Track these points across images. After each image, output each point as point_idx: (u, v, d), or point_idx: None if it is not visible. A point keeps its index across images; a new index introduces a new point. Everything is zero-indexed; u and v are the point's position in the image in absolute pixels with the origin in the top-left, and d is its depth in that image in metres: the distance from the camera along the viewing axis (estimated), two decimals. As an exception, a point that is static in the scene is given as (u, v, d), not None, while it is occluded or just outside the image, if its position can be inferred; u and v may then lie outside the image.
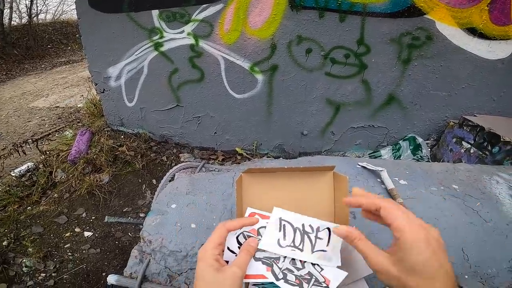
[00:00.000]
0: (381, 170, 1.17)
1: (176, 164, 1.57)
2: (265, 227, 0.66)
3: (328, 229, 0.67)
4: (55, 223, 2.54)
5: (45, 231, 2.48)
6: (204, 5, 2.54)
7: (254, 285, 0.63)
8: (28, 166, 3.06)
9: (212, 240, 0.56)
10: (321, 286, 0.60)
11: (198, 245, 0.90)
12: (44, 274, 2.15)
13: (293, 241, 0.65)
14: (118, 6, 2.74)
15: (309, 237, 0.65)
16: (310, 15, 2.41)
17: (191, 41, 2.74)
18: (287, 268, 0.62)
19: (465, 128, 2.47)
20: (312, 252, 0.64)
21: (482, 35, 2.26)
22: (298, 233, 0.66)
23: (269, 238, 0.64)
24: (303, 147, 3.07)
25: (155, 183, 2.93)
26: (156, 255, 0.93)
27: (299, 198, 0.76)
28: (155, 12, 2.69)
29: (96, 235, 2.45)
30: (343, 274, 0.62)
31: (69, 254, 2.30)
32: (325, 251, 0.64)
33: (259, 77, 2.75)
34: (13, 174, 3.00)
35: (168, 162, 3.18)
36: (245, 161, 3.11)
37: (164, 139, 3.42)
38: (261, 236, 0.65)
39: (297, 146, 3.07)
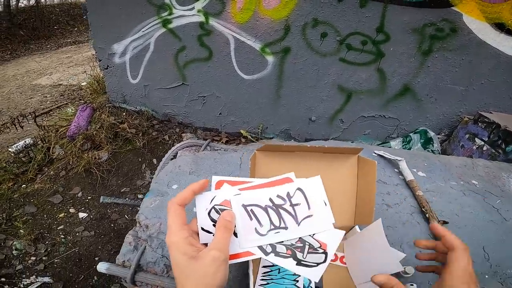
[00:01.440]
0: (400, 160, 1.07)
1: (178, 144, 1.35)
2: (239, 194, 0.50)
3: (299, 189, 0.52)
4: (49, 202, 2.29)
5: (38, 211, 2.23)
6: (217, -19, 2.26)
7: (262, 277, 0.55)
8: (26, 142, 2.78)
9: (172, 223, 0.44)
10: (318, 252, 0.49)
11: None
12: (34, 258, 1.92)
13: (271, 222, 0.50)
14: (128, -19, 2.46)
15: (285, 209, 0.51)
16: (329, -2, 2.15)
17: (201, 18, 2.47)
18: None
19: (480, 124, 2.27)
20: (298, 224, 0.50)
21: (509, 32, 2.04)
22: (271, 211, 0.50)
23: (244, 234, 0.48)
24: (310, 133, 2.83)
25: (155, 163, 2.67)
26: (153, 242, 0.82)
27: None
28: (166, -12, 2.41)
29: (91, 216, 2.20)
30: (339, 233, 0.50)
31: (62, 236, 2.06)
32: (311, 215, 0.51)
33: (270, 58, 2.49)
34: (11, 150, 2.72)
35: (170, 142, 2.92)
36: (249, 143, 2.86)
37: (167, 117, 3.16)
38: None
39: (304, 132, 2.84)
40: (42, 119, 3.47)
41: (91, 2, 2.72)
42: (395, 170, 1.08)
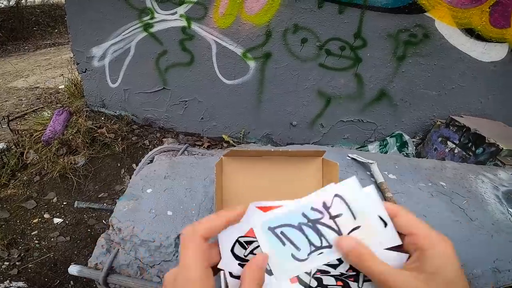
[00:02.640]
0: (371, 163, 1.10)
1: None
2: (262, 214, 0.39)
3: (337, 195, 0.38)
4: (22, 208, 2.19)
5: (11, 216, 2.13)
6: (200, -13, 2.26)
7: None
8: (0, 147, 2.65)
9: (193, 261, 0.31)
10: None
11: (174, 234, 0.80)
12: (7, 263, 1.85)
13: (310, 243, 0.38)
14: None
15: (324, 224, 0.38)
16: (309, 4, 2.19)
17: (183, 23, 2.45)
18: (319, 270, 0.38)
19: (451, 128, 2.36)
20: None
21: (479, 37, 2.14)
22: (307, 229, 0.38)
23: (279, 264, 0.37)
24: (291, 138, 2.85)
25: (134, 168, 2.60)
26: (126, 245, 0.81)
27: (285, 186, 0.67)
28: (148, -8, 2.38)
29: (67, 222, 2.11)
30: (403, 257, 0.36)
31: (36, 242, 1.97)
32: (358, 226, 0.37)
33: (251, 63, 2.50)
34: (-18, 155, 2.59)
35: (150, 146, 2.85)
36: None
37: (147, 122, 3.09)
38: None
39: (285, 136, 2.85)
40: (17, 123, 3.32)
41: (70, 5, 2.64)
42: (367, 173, 1.10)
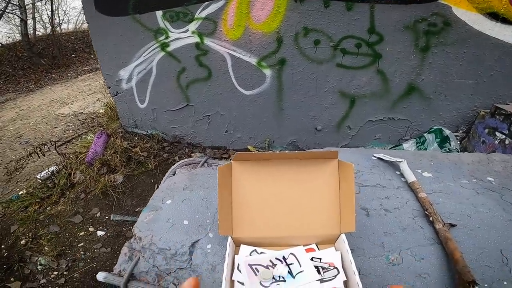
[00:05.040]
0: (400, 161, 1.11)
1: None
2: (248, 256, 0.75)
3: (291, 253, 0.75)
4: (71, 222, 2.76)
5: (61, 230, 2.69)
6: (206, 3, 2.64)
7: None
8: (52, 169, 3.35)
9: None
10: (330, 269, 0.69)
11: (188, 243, 0.91)
12: (56, 273, 2.33)
13: (273, 277, 0.71)
14: (123, 9, 2.93)
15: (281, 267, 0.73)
16: (315, 5, 2.41)
17: (196, 39, 2.85)
18: None
19: (497, 117, 2.35)
20: (294, 277, 0.71)
21: (505, 20, 2.15)
22: (271, 269, 0.72)
23: (251, 286, 0.69)
24: (318, 143, 3.05)
25: (166, 183, 3.07)
26: (146, 253, 0.93)
27: (298, 190, 0.72)
28: (159, 13, 2.83)
29: (108, 234, 2.62)
30: (337, 253, 0.72)
31: (82, 253, 2.47)
32: (302, 271, 0.70)
33: (267, 72, 2.79)
34: (38, 177, 3.30)
35: (180, 162, 3.31)
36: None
37: (176, 139, 3.57)
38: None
39: (311, 142, 3.06)
40: (65, 147, 4.09)
41: (93, 30, 3.21)
42: (397, 172, 1.11)
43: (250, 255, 0.75)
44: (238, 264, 0.71)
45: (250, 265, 0.71)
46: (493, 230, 0.83)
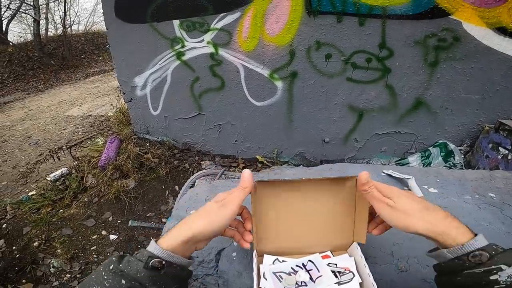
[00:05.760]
0: (408, 178, 1.18)
1: (197, 171, 1.77)
2: (271, 265, 0.84)
3: (310, 260, 0.84)
4: (83, 225, 2.88)
5: (74, 233, 2.81)
6: (222, 14, 2.78)
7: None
8: (62, 171, 3.48)
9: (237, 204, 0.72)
10: (346, 273, 0.78)
11: (214, 251, 0.97)
12: (69, 275, 2.43)
13: (296, 282, 0.80)
14: (142, 16, 3.06)
15: (302, 273, 0.83)
16: (328, 20, 2.53)
17: (211, 49, 2.99)
18: None
19: (501, 132, 2.45)
20: (314, 281, 0.80)
21: None
22: (293, 275, 0.82)
23: None
24: (325, 155, 3.17)
25: (177, 190, 3.20)
26: None
27: (317, 206, 0.84)
28: (176, 22, 2.98)
29: (121, 238, 2.74)
30: (351, 259, 0.81)
31: (94, 256, 2.59)
32: (321, 276, 0.80)
33: (279, 84, 2.92)
34: (48, 179, 3.44)
35: (190, 169, 3.44)
36: (265, 168, 3.29)
37: (187, 146, 3.70)
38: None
39: (318, 153, 3.19)
40: (76, 149, 4.23)
41: (112, 37, 3.35)
42: (405, 188, 1.17)
43: (273, 263, 0.86)
44: (264, 273, 0.81)
45: (274, 273, 0.81)
46: (492, 241, 0.92)
